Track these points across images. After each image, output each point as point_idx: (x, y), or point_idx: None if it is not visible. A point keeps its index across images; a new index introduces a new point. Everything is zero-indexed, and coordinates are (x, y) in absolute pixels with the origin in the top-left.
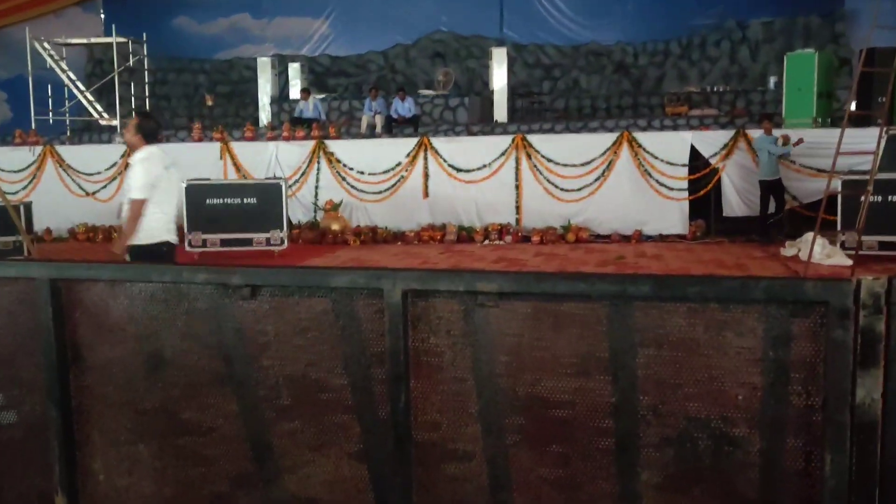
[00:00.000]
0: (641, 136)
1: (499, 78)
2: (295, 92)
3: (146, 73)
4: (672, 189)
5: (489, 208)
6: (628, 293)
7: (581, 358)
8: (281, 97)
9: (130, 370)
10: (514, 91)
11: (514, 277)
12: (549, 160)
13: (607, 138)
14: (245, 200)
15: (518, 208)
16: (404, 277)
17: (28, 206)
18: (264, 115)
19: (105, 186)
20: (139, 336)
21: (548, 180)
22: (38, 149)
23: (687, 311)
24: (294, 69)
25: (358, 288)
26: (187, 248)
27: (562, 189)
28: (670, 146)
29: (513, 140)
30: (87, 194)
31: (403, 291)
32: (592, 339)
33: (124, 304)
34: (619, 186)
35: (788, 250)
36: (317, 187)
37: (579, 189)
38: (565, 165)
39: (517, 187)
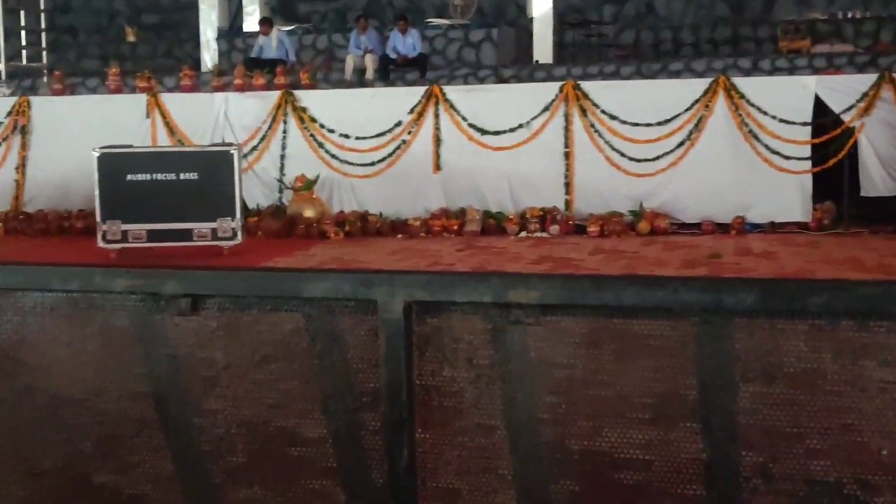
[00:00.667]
0: (744, 83)
1: (541, 0)
2: (251, 23)
3: None
4: (788, 158)
5: (527, 186)
6: (725, 305)
7: (658, 397)
8: (232, 30)
9: (22, 415)
10: (562, 19)
11: (562, 283)
12: (613, 117)
13: (695, 86)
14: (182, 176)
15: (568, 186)
16: (407, 283)
17: None
18: (208, 56)
19: None
20: (35, 367)
21: (611, 146)
22: None
23: (809, 330)
24: None
25: (342, 299)
26: (100, 244)
27: (631, 158)
28: (785, 97)
29: (561, 89)
30: None
31: (406, 304)
32: (674, 371)
33: (14, 322)
34: (712, 154)
35: None
36: (282, 157)
37: (656, 158)
38: (635, 125)
39: (567, 156)
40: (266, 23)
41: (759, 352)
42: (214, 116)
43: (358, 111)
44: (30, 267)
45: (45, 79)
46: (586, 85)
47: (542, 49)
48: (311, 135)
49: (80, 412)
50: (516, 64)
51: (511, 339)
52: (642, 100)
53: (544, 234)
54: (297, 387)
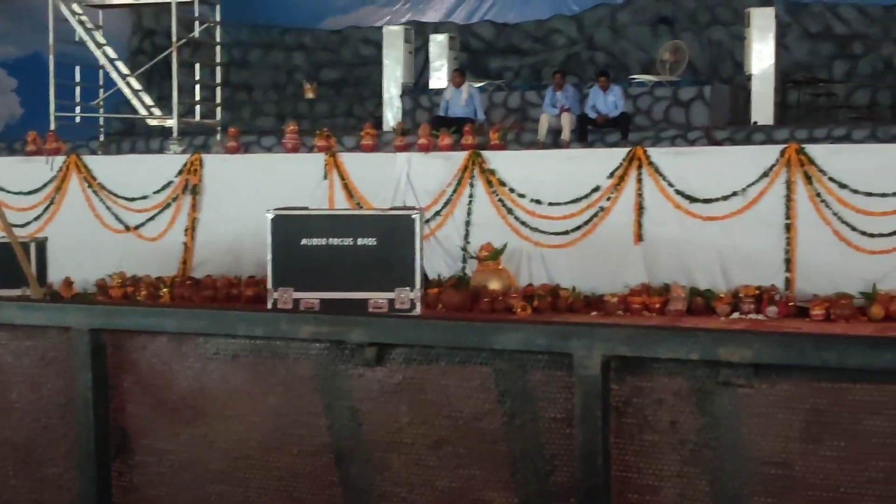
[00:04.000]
0: None
1: (761, 56)
2: (438, 79)
3: (218, 49)
4: None
5: (741, 262)
6: None
7: (886, 475)
8: (417, 86)
9: (200, 467)
10: (785, 77)
11: (780, 341)
12: (843, 186)
13: None
14: (359, 242)
15: (789, 263)
16: (606, 337)
17: (41, 246)
18: (391, 114)
19: (153, 217)
20: (214, 417)
21: (840, 218)
22: (60, 160)
23: None
24: (438, 44)
25: (535, 352)
26: None
27: (863, 233)
28: None
29: (782, 153)
30: (128, 229)
31: (604, 359)
32: None
33: (195, 369)
34: None
35: None
36: (468, 223)
37: (892, 233)
38: (869, 195)
39: (788, 228)
40: (458, 74)
41: None
42: (396, 178)
43: (551, 175)
44: (214, 311)
45: (218, 136)
46: (812, 149)
47: (762, 109)
48: (500, 200)
49: (258, 466)
50: (731, 125)
51: (720, 403)
52: (878, 166)
53: (760, 317)
54: (485, 448)
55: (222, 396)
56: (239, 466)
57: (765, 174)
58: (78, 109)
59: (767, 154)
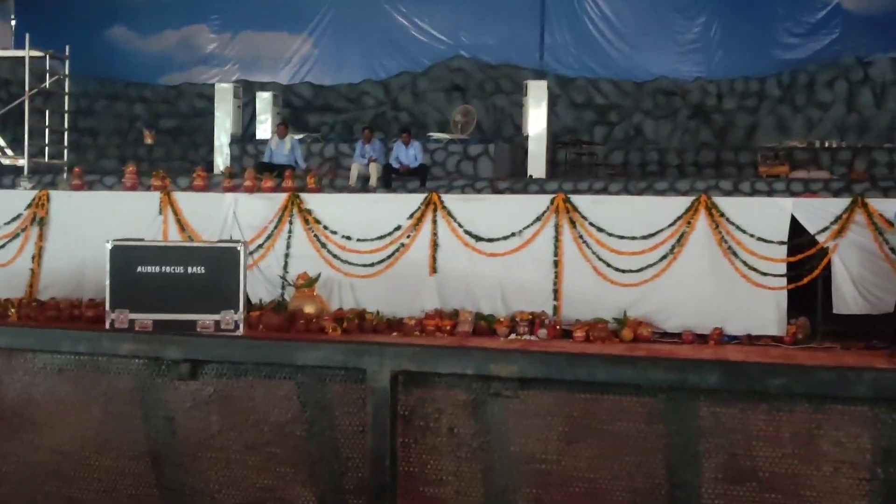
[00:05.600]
0: (725, 203)
1: (536, 120)
2: (263, 130)
3: (67, 98)
4: (765, 274)
5: (518, 291)
6: (690, 384)
7: (628, 471)
8: (244, 136)
9: (27, 469)
10: (555, 138)
11: (540, 359)
12: (601, 229)
13: (679, 204)
14: (189, 270)
15: (557, 293)
16: (395, 355)
17: None
18: (221, 159)
19: (4, 245)
20: (41, 424)
21: (598, 256)
22: None
23: (768, 410)
24: (264, 100)
25: (333, 367)
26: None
27: (616, 269)
28: (763, 217)
29: (552, 201)
30: None
31: (393, 374)
32: (642, 447)
33: (23, 382)
34: (693, 268)
35: None
36: (287, 255)
37: (639, 269)
38: (621, 237)
39: (556, 264)
40: (282, 126)
41: (721, 429)
42: (224, 215)
43: (360, 215)
44: (40, 329)
45: (65, 175)
46: (576, 198)
47: (536, 165)
48: (315, 235)
49: (83, 468)
50: (511, 177)
51: (491, 411)
52: (628, 214)
53: (532, 338)
54: (287, 452)
55: (49, 406)
56: (66, 468)
57: (538, 219)
58: None
59: (540, 202)
